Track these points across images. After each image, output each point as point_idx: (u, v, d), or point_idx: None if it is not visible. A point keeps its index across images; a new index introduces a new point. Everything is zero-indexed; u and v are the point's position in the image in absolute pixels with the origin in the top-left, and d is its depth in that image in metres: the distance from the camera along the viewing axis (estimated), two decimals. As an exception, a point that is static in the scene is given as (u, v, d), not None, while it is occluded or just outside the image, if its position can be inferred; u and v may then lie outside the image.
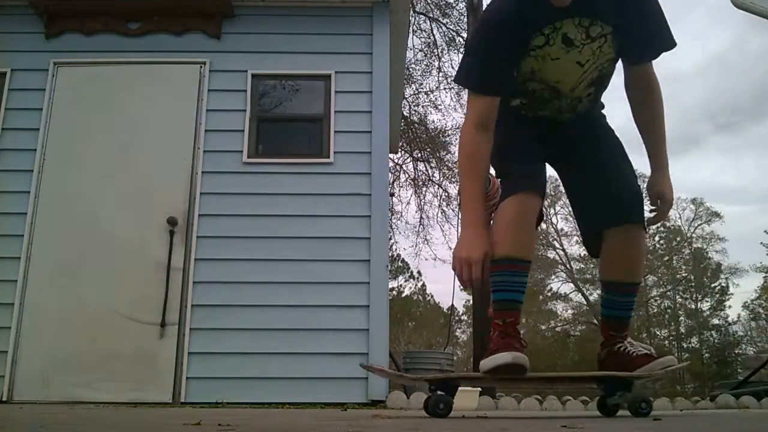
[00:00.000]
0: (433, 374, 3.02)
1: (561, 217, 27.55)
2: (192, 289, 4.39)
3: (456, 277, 2.08)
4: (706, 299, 28.92)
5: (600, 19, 2.03)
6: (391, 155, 7.59)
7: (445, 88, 13.78)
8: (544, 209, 2.25)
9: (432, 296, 27.66)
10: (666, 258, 29.18)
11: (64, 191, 4.57)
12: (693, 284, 29.50)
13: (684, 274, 29.76)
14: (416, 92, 14.22)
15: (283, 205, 4.61)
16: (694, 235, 29.97)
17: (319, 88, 4.89)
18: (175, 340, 4.29)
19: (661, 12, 2.08)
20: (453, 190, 13.78)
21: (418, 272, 24.16)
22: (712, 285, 28.88)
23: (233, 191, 4.63)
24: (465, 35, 11.91)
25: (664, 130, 2.24)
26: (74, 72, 4.83)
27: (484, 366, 2.01)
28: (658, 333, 29.80)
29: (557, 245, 29.03)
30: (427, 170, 14.62)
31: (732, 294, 28.37)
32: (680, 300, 29.80)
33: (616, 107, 2.28)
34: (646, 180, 2.28)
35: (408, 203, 15.20)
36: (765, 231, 26.39)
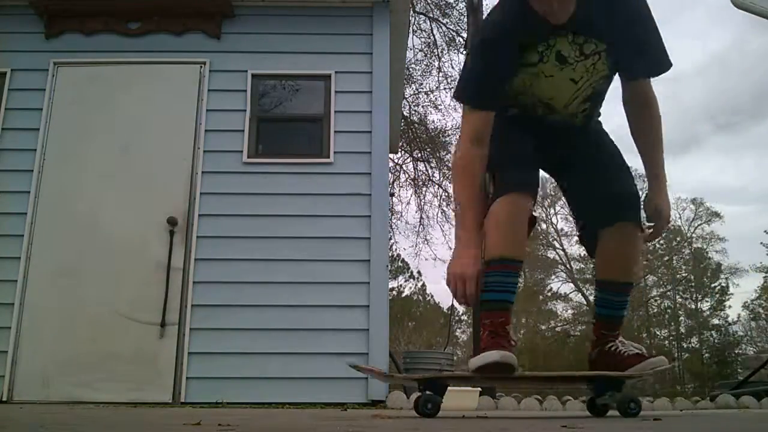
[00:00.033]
0: (432, 374, 3.03)
1: (561, 217, 27.57)
2: (192, 289, 4.39)
3: (451, 293, 2.09)
4: (706, 299, 28.93)
5: (594, 36, 2.03)
6: (391, 155, 7.58)
7: (445, 88, 13.80)
8: (536, 216, 2.26)
9: (432, 296, 27.66)
10: (666, 258, 29.18)
11: (64, 191, 4.57)
12: (693, 284, 29.50)
13: (684, 274, 29.76)
14: (416, 92, 14.24)
15: (283, 205, 4.61)
16: (694, 235, 29.99)
17: (319, 88, 4.89)
18: (175, 340, 4.29)
19: (657, 31, 2.07)
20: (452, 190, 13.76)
21: (418, 272, 24.21)
22: (712, 285, 28.89)
23: (233, 191, 4.63)
24: (465, 35, 11.90)
25: (662, 146, 2.23)
26: (74, 72, 4.84)
27: (472, 364, 2.02)
28: (658, 333, 29.80)
29: (557, 245, 29.07)
30: (427, 170, 14.64)
31: (732, 294, 28.39)
32: (680, 300, 29.81)
33: (617, 106, 2.28)
34: (645, 189, 2.28)
35: (408, 203, 15.21)
36: (765, 231, 26.39)
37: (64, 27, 4.90)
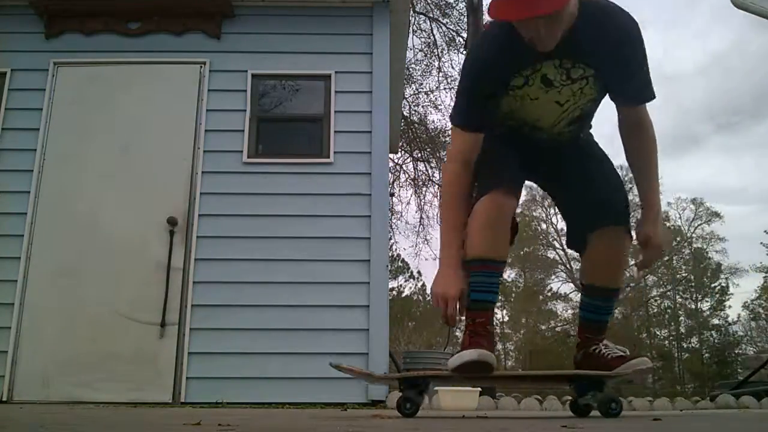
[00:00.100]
0: (412, 373, 3.04)
1: (561, 217, 27.55)
2: (192, 289, 4.39)
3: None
4: (706, 299, 28.95)
5: (582, 61, 2.02)
6: (391, 155, 7.59)
7: (445, 88, 13.82)
8: (518, 221, 2.26)
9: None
10: (666, 258, 29.18)
11: (64, 191, 4.57)
12: (693, 284, 29.53)
13: (684, 274, 29.79)
14: (416, 92, 14.25)
15: (283, 205, 4.61)
16: (694, 235, 30.02)
17: (319, 88, 4.89)
18: (175, 340, 4.29)
19: (644, 60, 2.05)
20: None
21: (418, 272, 24.20)
22: (712, 285, 28.92)
23: (233, 191, 4.63)
24: (465, 35, 11.90)
25: (657, 171, 2.22)
26: (74, 72, 4.84)
27: (451, 363, 2.03)
28: (658, 333, 29.82)
29: (557, 245, 29.08)
30: (427, 170, 14.65)
31: (732, 294, 28.43)
32: (680, 300, 29.83)
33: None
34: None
35: (408, 203, 15.22)
36: (765, 231, 26.41)
37: (64, 27, 4.90)
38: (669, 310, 29.67)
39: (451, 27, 13.55)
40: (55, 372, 4.21)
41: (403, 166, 14.73)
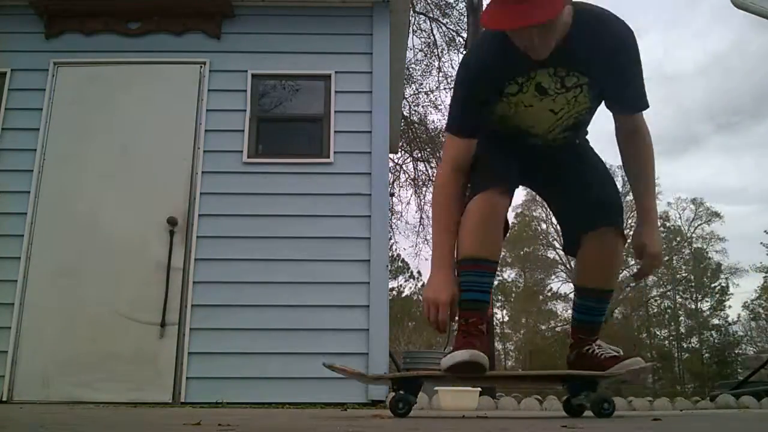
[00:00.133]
0: (404, 374, 3.05)
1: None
2: (192, 289, 4.39)
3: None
4: (706, 299, 28.97)
5: (577, 69, 2.02)
6: (391, 155, 7.59)
7: (445, 88, 13.82)
8: (509, 221, 2.27)
9: (432, 296, 27.58)
10: (666, 258, 29.20)
11: (64, 191, 4.57)
12: (693, 284, 29.54)
13: (684, 274, 29.80)
14: (416, 92, 14.26)
15: (283, 205, 4.61)
16: (694, 235, 30.03)
17: (319, 88, 4.89)
18: (175, 340, 4.29)
19: (639, 69, 2.05)
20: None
21: (418, 272, 24.19)
22: (712, 285, 28.94)
23: (233, 191, 4.63)
24: (465, 35, 11.91)
25: (653, 180, 2.21)
26: (74, 72, 4.83)
27: (443, 364, 2.03)
28: (658, 333, 29.84)
29: (557, 245, 29.07)
30: (427, 170, 14.65)
31: (732, 294, 28.46)
32: (680, 300, 29.84)
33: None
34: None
35: (408, 203, 15.25)
36: (765, 231, 26.43)
37: (64, 27, 4.90)
38: (669, 310, 29.70)
39: (451, 27, 13.57)
40: (55, 372, 4.21)
41: (403, 166, 14.74)
